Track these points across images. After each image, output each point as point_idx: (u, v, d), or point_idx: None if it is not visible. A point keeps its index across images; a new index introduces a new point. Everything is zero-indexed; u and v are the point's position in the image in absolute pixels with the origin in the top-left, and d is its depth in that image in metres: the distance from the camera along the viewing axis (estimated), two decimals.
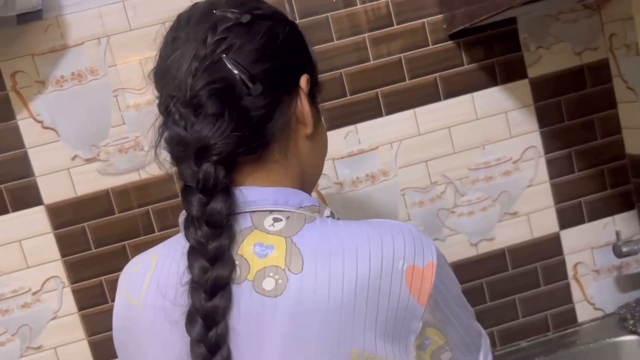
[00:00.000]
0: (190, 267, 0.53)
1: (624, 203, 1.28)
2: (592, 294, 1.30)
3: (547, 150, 1.25)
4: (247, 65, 0.55)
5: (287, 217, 0.56)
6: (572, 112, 1.25)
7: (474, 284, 1.26)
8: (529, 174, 1.25)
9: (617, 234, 1.14)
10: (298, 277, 0.52)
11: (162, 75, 0.58)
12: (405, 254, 0.54)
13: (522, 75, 1.23)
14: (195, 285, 0.52)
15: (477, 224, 1.25)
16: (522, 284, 1.27)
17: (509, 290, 1.27)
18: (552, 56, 1.23)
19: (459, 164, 1.23)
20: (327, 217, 0.58)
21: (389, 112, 1.20)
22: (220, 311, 0.51)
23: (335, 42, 1.18)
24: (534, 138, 1.24)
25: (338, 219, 0.59)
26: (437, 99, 1.21)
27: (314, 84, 0.63)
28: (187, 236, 0.54)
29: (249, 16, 0.57)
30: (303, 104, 0.61)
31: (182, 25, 0.58)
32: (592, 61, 1.24)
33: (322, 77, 0.99)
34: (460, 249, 1.25)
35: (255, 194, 0.57)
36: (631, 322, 1.22)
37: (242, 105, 0.55)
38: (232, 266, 0.53)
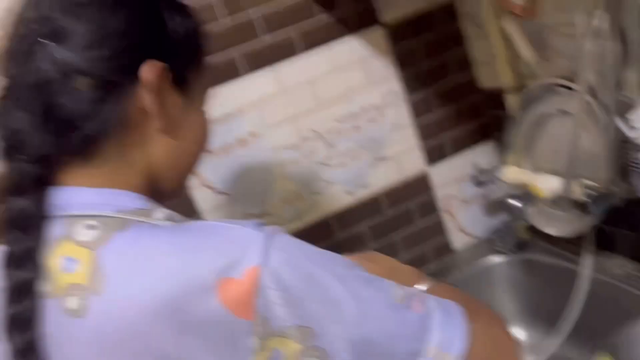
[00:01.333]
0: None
1: (481, 135, 1.31)
2: (464, 223, 1.34)
3: (407, 92, 1.24)
4: (70, 54, 0.49)
5: (103, 224, 0.49)
6: (426, 53, 1.24)
7: (356, 231, 1.26)
8: (393, 118, 1.24)
9: (476, 165, 1.17)
10: (100, 299, 0.46)
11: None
12: (218, 266, 0.46)
13: (374, 21, 1.20)
14: (3, 291, 0.47)
15: (351, 174, 1.24)
16: (400, 224, 1.29)
17: (389, 231, 1.28)
18: (401, 1, 1.20)
19: (325, 117, 1.20)
20: (159, 219, 0.51)
21: (247, 72, 1.14)
22: (24, 320, 0.46)
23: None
24: (393, 82, 1.23)
25: (176, 221, 0.52)
26: (294, 53, 1.16)
27: (180, 70, 0.55)
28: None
29: None
30: (145, 97, 0.52)
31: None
32: (439, 3, 1.23)
33: None
34: (338, 200, 1.25)
35: (72, 196, 0.50)
36: (497, 243, 1.27)
37: (62, 99, 0.49)
38: (37, 274, 0.47)
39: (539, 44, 1.04)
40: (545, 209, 1.08)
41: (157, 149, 0.55)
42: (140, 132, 0.53)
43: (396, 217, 1.29)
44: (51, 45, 0.48)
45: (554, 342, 1.14)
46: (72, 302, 0.47)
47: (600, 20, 0.72)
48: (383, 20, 1.20)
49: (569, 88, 0.95)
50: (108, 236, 0.48)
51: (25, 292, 0.47)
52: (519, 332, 1.27)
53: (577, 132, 0.84)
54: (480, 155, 1.32)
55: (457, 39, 1.26)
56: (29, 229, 0.48)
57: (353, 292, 0.48)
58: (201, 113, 0.59)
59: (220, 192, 1.17)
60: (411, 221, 1.30)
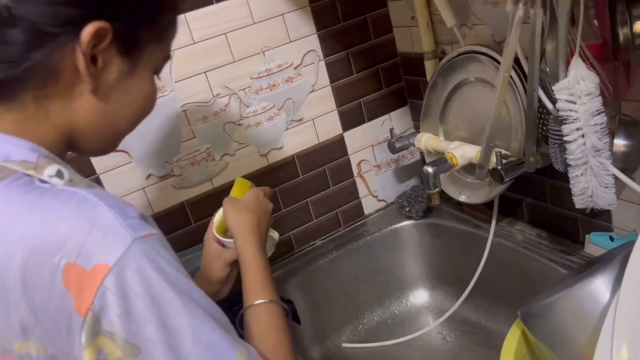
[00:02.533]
0: None
1: (397, 100, 1.28)
2: (375, 188, 1.32)
3: (326, 53, 1.17)
4: None
5: None
6: (346, 13, 1.17)
7: None
8: (310, 79, 1.17)
9: (391, 131, 1.13)
10: None
11: None
12: (66, 246, 0.45)
13: None
14: None
15: (265, 135, 1.16)
16: (313, 187, 1.24)
17: (301, 194, 1.23)
18: None
19: (240, 73, 1.09)
20: (50, 176, 0.49)
21: None
22: None
23: None
24: (313, 41, 1.15)
25: (71, 180, 0.49)
26: (208, 2, 1.04)
27: (129, 33, 0.52)
28: None
29: None
30: (78, 57, 0.49)
31: None
32: None
33: None
34: (250, 162, 1.16)
35: None
36: (407, 208, 1.26)
37: None
38: None
39: (460, 9, 1.01)
40: (457, 176, 1.08)
41: (82, 107, 0.52)
42: (66, 87, 0.51)
43: (309, 180, 1.23)
44: None
45: (456, 302, 1.16)
46: None
47: None
48: None
49: (490, 57, 0.93)
50: None
51: None
52: (424, 294, 1.29)
53: (497, 102, 0.82)
54: (395, 120, 1.29)
55: (377, 1, 1.20)
56: None
57: (195, 331, 0.48)
58: (146, 78, 0.56)
59: (118, 151, 1.04)
60: (325, 185, 1.25)
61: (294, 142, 1.19)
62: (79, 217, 0.46)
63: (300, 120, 1.19)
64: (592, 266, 0.67)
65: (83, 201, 0.47)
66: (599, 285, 0.55)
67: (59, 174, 0.49)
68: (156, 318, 0.46)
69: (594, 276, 0.56)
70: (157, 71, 0.57)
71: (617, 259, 0.58)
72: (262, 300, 0.67)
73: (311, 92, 1.18)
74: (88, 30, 0.48)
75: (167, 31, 0.56)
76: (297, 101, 1.17)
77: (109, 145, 0.58)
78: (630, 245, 0.60)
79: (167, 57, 0.58)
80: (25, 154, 0.49)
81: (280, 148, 1.18)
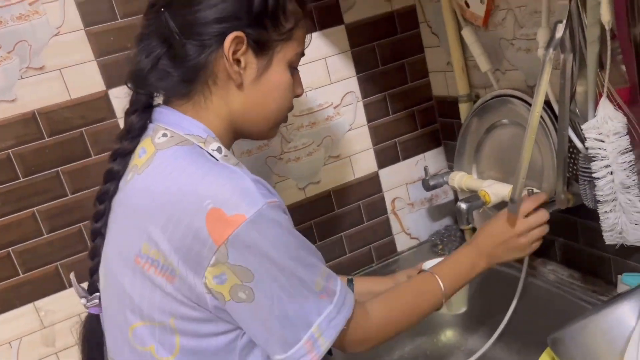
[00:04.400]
0: None
1: (432, 141, 1.32)
2: (409, 225, 1.34)
3: (364, 94, 1.23)
4: (182, 19, 0.66)
5: (171, 136, 0.67)
6: (385, 57, 1.23)
7: (304, 226, 1.23)
8: (349, 118, 1.23)
9: (425, 169, 1.17)
10: (138, 177, 0.67)
11: None
12: (216, 197, 0.61)
13: (339, 21, 1.18)
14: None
15: (304, 169, 1.21)
16: (347, 222, 1.27)
17: (336, 228, 1.26)
18: (365, 2, 1.19)
19: None
20: (213, 150, 0.67)
21: None
22: (108, 193, 0.70)
23: None
24: (352, 83, 1.21)
25: (226, 156, 0.67)
26: None
27: (261, 38, 0.67)
28: None
29: None
30: (225, 62, 0.67)
31: None
32: (401, 7, 1.23)
33: None
34: (290, 194, 1.21)
35: (168, 115, 0.70)
36: (440, 246, 1.29)
37: (173, 51, 0.68)
38: (124, 167, 0.70)
39: (494, 55, 1.06)
40: (489, 214, 1.10)
41: (235, 99, 0.69)
42: (222, 85, 0.68)
43: (345, 215, 1.27)
44: (170, 12, 0.67)
45: (487, 342, 1.16)
46: (129, 176, 0.68)
47: (562, 33, 0.73)
48: (347, 20, 1.19)
49: (522, 100, 0.98)
50: (169, 145, 0.66)
51: (110, 178, 0.70)
52: (455, 333, 1.29)
53: (529, 139, 0.86)
54: (430, 160, 1.32)
55: (415, 46, 1.26)
56: (129, 137, 0.70)
57: (292, 268, 0.63)
58: (280, 71, 0.70)
59: None
60: (359, 220, 1.29)
61: (331, 177, 1.24)
62: (230, 180, 0.62)
63: (338, 156, 1.24)
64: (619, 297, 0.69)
65: (234, 172, 0.64)
66: (625, 311, 0.56)
67: (219, 150, 0.67)
68: (271, 256, 0.61)
69: (620, 302, 0.58)
70: (292, 65, 0.72)
71: None
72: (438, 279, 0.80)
73: (349, 130, 1.24)
74: (228, 40, 0.65)
75: (292, 32, 0.70)
76: (336, 139, 1.23)
77: (265, 129, 0.74)
78: None
79: (299, 53, 0.72)
80: (200, 131, 0.68)
81: (318, 182, 1.23)
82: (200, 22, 0.65)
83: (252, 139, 0.78)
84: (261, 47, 0.68)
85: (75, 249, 1.05)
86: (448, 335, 1.29)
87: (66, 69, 0.98)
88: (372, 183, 1.28)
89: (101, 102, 1.01)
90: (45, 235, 1.03)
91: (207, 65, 0.67)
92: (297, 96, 0.76)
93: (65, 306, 1.06)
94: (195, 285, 0.62)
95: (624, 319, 0.56)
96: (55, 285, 1.05)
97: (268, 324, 0.63)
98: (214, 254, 0.60)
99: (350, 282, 0.99)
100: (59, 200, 1.02)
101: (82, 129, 1.01)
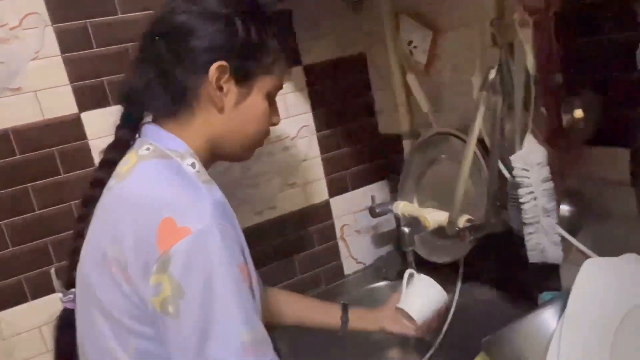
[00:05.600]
0: None
1: (378, 174, 1.36)
2: (355, 251, 1.36)
3: (319, 128, 1.27)
4: (173, 50, 0.69)
5: (153, 150, 0.69)
6: (337, 97, 1.28)
7: (259, 249, 1.22)
8: (304, 150, 1.26)
9: (372, 198, 1.21)
10: (118, 184, 0.69)
11: None
12: (173, 207, 0.62)
13: (298, 62, 1.22)
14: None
15: (262, 195, 1.22)
16: (299, 246, 1.28)
17: (289, 251, 1.27)
18: (322, 47, 1.25)
19: None
20: (187, 164, 0.68)
21: None
22: (92, 198, 0.72)
23: None
24: (308, 118, 1.25)
25: (198, 172, 0.68)
26: None
27: (242, 67, 0.70)
28: None
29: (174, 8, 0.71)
30: (209, 87, 0.69)
31: None
32: (353, 53, 1.29)
33: None
34: (247, 218, 1.21)
35: (153, 132, 0.72)
36: (384, 270, 1.31)
37: (164, 76, 0.70)
38: (109, 175, 0.72)
39: (435, 98, 1.12)
40: (429, 238, 1.14)
41: (216, 122, 0.71)
42: (205, 107, 0.71)
43: (297, 239, 1.28)
44: (165, 40, 0.69)
45: (427, 354, 1.18)
46: (111, 182, 0.70)
47: (493, 78, 0.80)
48: (305, 62, 1.23)
49: (458, 137, 1.04)
50: (150, 157, 0.68)
51: (96, 184, 0.72)
52: (397, 349, 1.30)
53: (463, 175, 0.91)
54: (376, 191, 1.36)
55: (364, 88, 1.32)
56: (117, 149, 0.73)
57: (227, 304, 0.60)
58: (258, 101, 0.73)
59: None
60: (310, 245, 1.30)
61: (286, 203, 1.25)
62: (190, 194, 0.64)
63: (293, 184, 1.26)
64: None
65: (197, 189, 0.65)
66: (548, 315, 0.60)
67: (193, 165, 0.68)
68: (207, 278, 0.59)
69: (543, 308, 0.62)
70: (270, 96, 0.75)
71: (562, 297, 0.64)
72: None
73: (304, 160, 1.26)
74: (213, 68, 0.68)
75: (272, 66, 0.73)
76: (291, 168, 1.25)
77: (241, 151, 0.77)
78: None
79: (277, 86, 0.76)
80: (179, 147, 0.70)
81: (274, 208, 1.24)
82: (190, 51, 0.68)
83: (229, 160, 0.80)
84: (243, 77, 0.71)
85: (40, 262, 1.01)
86: (392, 351, 1.31)
87: (41, 91, 0.98)
88: (323, 210, 1.30)
89: (73, 124, 1.01)
90: (11, 249, 0.99)
91: (194, 90, 0.70)
92: (274, 124, 0.79)
93: (26, 319, 1.00)
94: (143, 289, 0.61)
95: (547, 322, 0.60)
96: (17, 297, 1.00)
97: (184, 347, 0.60)
98: (156, 261, 0.60)
99: (345, 316, 0.99)
100: (26, 215, 0.99)
101: (53, 149, 1.00)
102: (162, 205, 0.62)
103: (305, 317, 1.00)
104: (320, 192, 1.29)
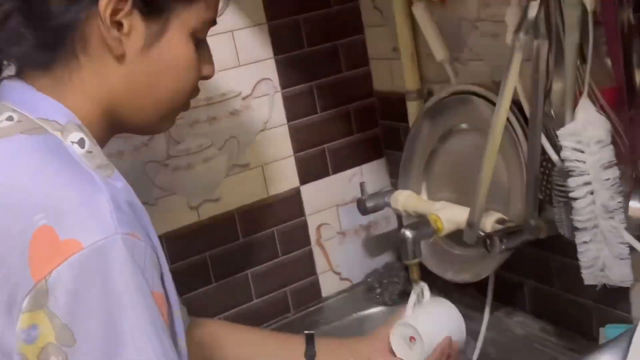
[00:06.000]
0: None
1: (371, 150, 1.35)
2: (338, 262, 1.36)
3: (284, 84, 1.25)
4: None
5: (19, 120, 0.66)
6: (313, 36, 1.26)
7: (195, 260, 1.21)
8: (262, 115, 1.24)
9: (362, 186, 1.20)
10: None
11: None
12: (53, 211, 0.59)
13: None
14: None
15: (199, 181, 1.21)
16: (256, 256, 1.27)
17: (241, 264, 1.26)
18: None
19: None
20: (72, 142, 0.65)
21: None
22: None
23: None
24: (268, 68, 1.23)
25: (89, 152, 0.66)
26: None
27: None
28: None
29: None
30: (100, 24, 0.65)
31: None
32: None
33: None
34: (176, 216, 1.19)
35: (17, 92, 0.68)
36: (378, 290, 1.30)
37: (24, 8, 0.66)
38: None
39: (453, 41, 1.11)
40: (442, 246, 1.14)
41: (114, 77, 0.68)
42: (97, 56, 0.67)
43: (253, 246, 1.27)
44: None
45: None
46: None
47: (535, 14, 0.78)
48: None
49: (486, 99, 1.02)
50: (12, 133, 0.65)
51: None
52: None
53: (491, 149, 0.90)
54: (369, 175, 1.35)
55: (352, 24, 1.30)
56: None
57: (134, 344, 0.59)
58: (180, 42, 0.70)
59: None
60: (272, 254, 1.29)
61: (236, 193, 1.24)
62: (79, 190, 0.61)
63: (246, 166, 1.24)
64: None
65: (88, 180, 0.62)
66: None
67: (81, 143, 0.65)
68: (102, 318, 0.57)
69: (606, 349, 0.62)
70: (197, 35, 0.71)
71: (632, 333, 0.64)
72: None
73: (262, 130, 1.25)
74: None
75: None
76: (243, 141, 1.23)
77: (156, 120, 0.74)
78: None
79: (208, 20, 0.72)
80: (58, 116, 0.66)
81: (217, 200, 1.23)
82: None
83: (137, 133, 0.78)
84: (153, 8, 0.67)
85: None
86: None
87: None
88: (291, 203, 1.29)
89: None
90: None
91: (76, 28, 0.66)
92: (205, 78, 0.77)
93: None
94: (7, 335, 0.58)
95: None
96: None
97: None
98: (29, 292, 0.57)
99: (311, 350, 0.99)
100: None
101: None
102: (35, 209, 0.59)
103: (254, 358, 1.00)
104: (286, 176, 1.28)
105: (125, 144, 1.13)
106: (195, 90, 0.75)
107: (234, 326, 1.03)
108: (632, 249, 0.79)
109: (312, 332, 1.01)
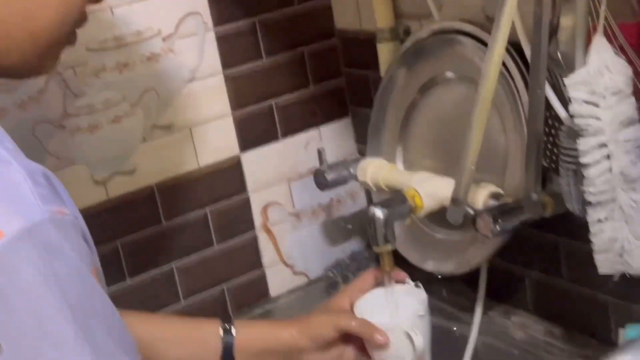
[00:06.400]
0: None
1: (333, 106, 1.36)
2: (291, 251, 1.37)
3: (218, 19, 1.24)
4: None
5: None
6: None
7: (102, 250, 1.20)
8: (189, 60, 1.24)
9: (320, 153, 1.20)
10: None
11: None
12: None
13: None
14: None
15: (106, 147, 1.20)
16: (183, 244, 1.27)
17: (162, 254, 1.26)
18: None
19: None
20: None
21: None
22: None
23: None
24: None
25: None
26: None
27: None
28: None
29: None
30: None
31: None
32: None
33: None
34: (76, 192, 1.16)
35: None
36: (343, 286, 1.30)
37: None
38: None
39: None
40: (421, 228, 1.14)
41: None
42: None
43: (178, 232, 1.27)
44: None
45: None
46: None
47: None
48: None
49: (478, 39, 1.02)
50: None
51: None
52: None
53: (483, 110, 0.90)
54: (330, 140, 1.36)
55: None
56: None
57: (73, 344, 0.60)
58: None
59: None
60: (204, 242, 1.29)
61: (156, 164, 1.24)
62: None
63: (169, 127, 1.24)
64: None
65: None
66: None
67: None
68: (41, 313, 0.59)
69: (626, 352, 0.62)
70: None
71: None
72: None
73: (190, 81, 1.24)
74: None
75: None
76: (165, 95, 1.23)
77: (32, 55, 0.73)
78: None
79: None
80: None
81: (132, 172, 1.22)
82: None
83: (13, 77, 0.79)
84: None
85: None
86: None
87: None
88: (229, 177, 1.30)
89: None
90: None
91: None
92: (94, 1, 0.75)
93: None
94: None
95: None
96: None
97: None
98: None
99: (228, 331, 1.02)
100: None
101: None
102: None
103: (158, 347, 1.01)
104: (222, 142, 1.28)
105: (7, 99, 1.11)
106: (82, 17, 0.74)
107: (134, 314, 1.02)
108: None
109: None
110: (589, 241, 0.84)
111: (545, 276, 1.14)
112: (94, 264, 0.66)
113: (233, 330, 1.02)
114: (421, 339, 0.99)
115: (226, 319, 1.14)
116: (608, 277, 0.86)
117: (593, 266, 0.85)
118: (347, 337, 1.00)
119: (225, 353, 1.01)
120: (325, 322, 1.01)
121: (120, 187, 1.21)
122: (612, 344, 1.06)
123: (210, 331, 1.02)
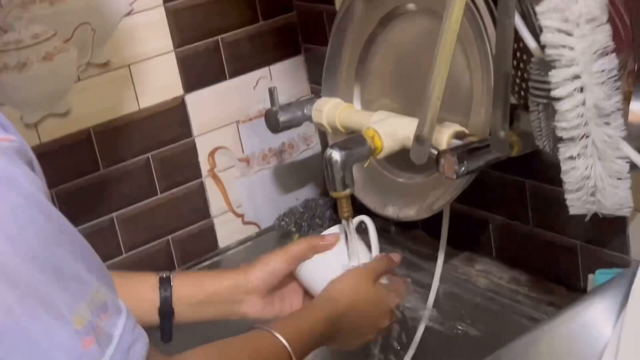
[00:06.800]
0: None
1: (284, 43, 1.35)
2: (240, 200, 1.37)
3: None
4: None
5: None
6: None
7: None
8: None
9: (272, 92, 1.18)
10: None
11: None
12: None
13: None
14: None
15: (37, 87, 1.17)
16: (124, 193, 1.27)
17: (102, 204, 1.25)
18: None
19: None
20: None
21: None
22: None
23: None
24: None
25: None
26: None
27: None
28: None
29: None
30: None
31: None
32: None
33: None
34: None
35: None
36: (296, 236, 1.31)
37: None
38: None
39: None
40: (381, 171, 1.14)
41: None
42: None
43: (118, 180, 1.26)
44: None
45: None
46: None
47: None
48: None
49: None
50: None
51: None
52: None
53: (447, 43, 0.89)
54: (281, 79, 1.36)
55: None
56: None
57: (33, 278, 0.59)
58: None
59: None
60: (147, 190, 1.29)
61: (92, 105, 1.22)
62: None
63: (106, 65, 1.22)
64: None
65: None
66: (599, 313, 0.61)
67: None
68: None
69: (594, 299, 0.62)
70: None
71: (627, 279, 0.65)
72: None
73: (127, 14, 1.22)
74: None
75: None
76: (101, 30, 1.21)
77: None
78: None
79: None
80: None
81: (65, 115, 1.20)
82: None
83: None
84: None
85: None
86: None
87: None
88: (172, 119, 1.29)
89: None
90: None
91: None
92: None
93: None
94: None
95: (596, 323, 0.60)
96: None
97: None
98: None
99: (165, 283, 1.03)
100: None
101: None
102: None
103: None
104: (164, 81, 1.27)
105: None
106: None
107: None
108: (632, 165, 0.79)
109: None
110: (556, 182, 0.84)
111: (510, 221, 1.14)
112: (44, 193, 0.64)
113: (172, 281, 1.01)
114: None
115: None
116: (577, 220, 0.86)
117: (561, 209, 0.85)
118: (288, 294, 1.04)
119: (163, 304, 1.01)
120: (274, 256, 1.03)
121: (54, 130, 1.20)
122: (580, 291, 1.08)
123: (146, 281, 1.02)
